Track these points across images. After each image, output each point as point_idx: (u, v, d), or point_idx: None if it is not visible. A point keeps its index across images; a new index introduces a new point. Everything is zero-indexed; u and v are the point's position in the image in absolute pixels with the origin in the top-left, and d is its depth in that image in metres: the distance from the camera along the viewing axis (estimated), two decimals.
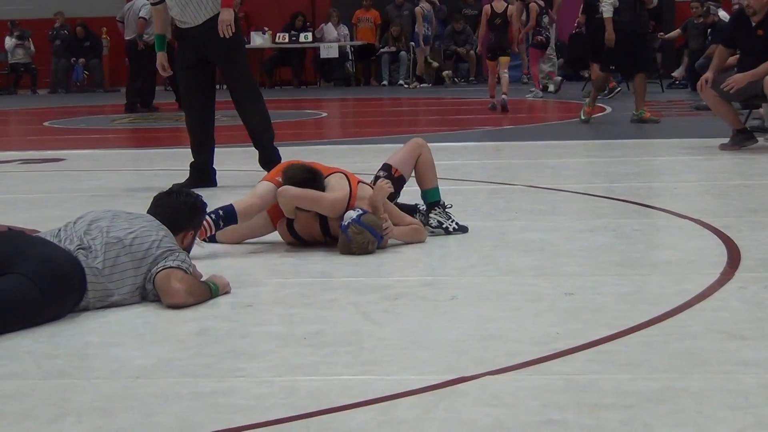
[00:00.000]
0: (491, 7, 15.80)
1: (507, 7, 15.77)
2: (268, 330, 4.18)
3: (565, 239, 5.85)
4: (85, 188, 8.51)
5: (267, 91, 23.54)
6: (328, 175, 5.71)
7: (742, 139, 9.72)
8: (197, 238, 5.40)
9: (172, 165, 9.89)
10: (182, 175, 8.39)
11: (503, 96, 15.54)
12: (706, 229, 5.98)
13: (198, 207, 5.01)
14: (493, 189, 7.86)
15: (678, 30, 20.10)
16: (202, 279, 4.73)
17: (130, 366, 3.76)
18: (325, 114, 17.11)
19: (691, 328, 4.03)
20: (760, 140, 9.90)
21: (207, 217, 5.51)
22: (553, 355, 3.73)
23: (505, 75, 15.89)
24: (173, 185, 5.11)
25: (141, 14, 17.38)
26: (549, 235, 5.98)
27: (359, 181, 5.76)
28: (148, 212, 4.88)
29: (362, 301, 4.58)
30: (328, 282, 5.04)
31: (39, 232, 4.85)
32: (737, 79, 9.43)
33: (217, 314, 4.44)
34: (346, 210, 5.55)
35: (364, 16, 23.80)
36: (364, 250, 5.48)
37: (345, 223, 5.49)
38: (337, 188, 5.62)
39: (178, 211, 4.90)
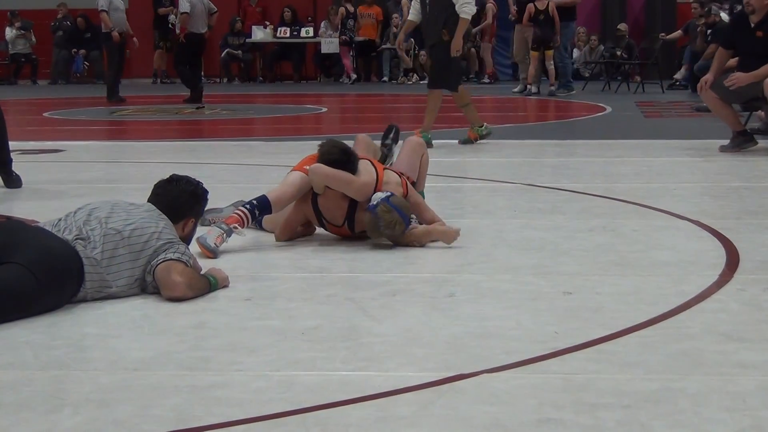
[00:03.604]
0: (534, 5, 17.75)
1: (548, 3, 17.70)
2: (267, 324, 4.18)
3: (564, 238, 5.85)
4: (84, 179, 8.50)
5: (267, 85, 23.61)
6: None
7: (742, 141, 9.72)
8: (237, 227, 5.48)
9: (172, 158, 9.88)
10: (181, 168, 8.37)
11: (551, 87, 18.06)
12: (705, 230, 5.98)
13: (198, 194, 4.98)
14: (492, 187, 7.86)
15: (679, 31, 20.12)
16: (201, 272, 4.72)
17: (127, 358, 3.75)
18: (325, 109, 17.11)
19: (690, 329, 4.03)
20: (761, 142, 9.89)
21: (242, 208, 5.60)
22: (552, 353, 3.73)
23: (551, 67, 18.09)
24: (173, 174, 5.07)
25: (101, 6, 17.56)
26: (548, 234, 5.98)
27: (384, 168, 5.83)
28: (148, 200, 4.87)
29: (360, 297, 4.58)
30: (327, 277, 5.04)
31: (38, 222, 4.84)
32: (740, 78, 9.43)
33: (216, 308, 4.43)
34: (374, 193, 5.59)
35: (366, 12, 23.77)
36: (392, 230, 5.48)
37: (374, 203, 5.50)
38: (364, 173, 5.65)
39: (178, 199, 4.88)
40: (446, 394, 3.34)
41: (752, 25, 9.62)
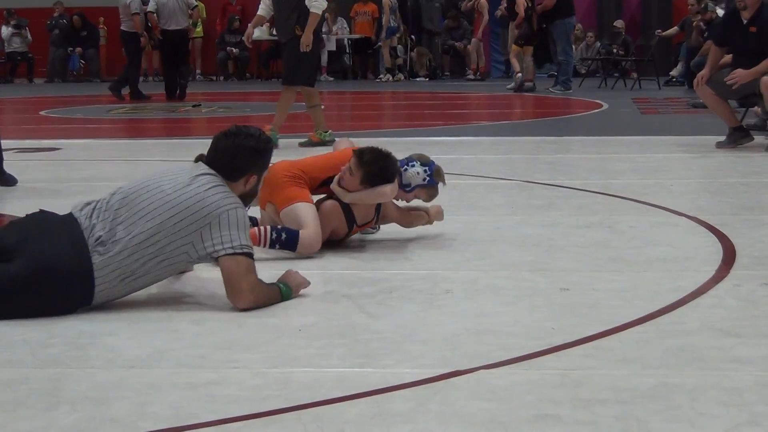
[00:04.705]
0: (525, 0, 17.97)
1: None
2: (264, 321, 4.18)
3: (561, 235, 5.85)
4: (81, 178, 8.50)
5: (263, 83, 23.58)
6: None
7: (739, 136, 9.72)
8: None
9: (168, 156, 9.88)
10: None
11: (518, 74, 18.38)
12: (702, 226, 5.99)
13: (259, 149, 4.55)
14: (489, 184, 7.86)
15: (676, 27, 20.11)
16: (275, 280, 4.52)
17: (124, 356, 3.75)
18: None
19: (686, 325, 4.04)
20: (757, 138, 9.88)
21: (267, 227, 5.27)
22: (548, 350, 3.73)
23: (530, 62, 18.46)
24: (233, 125, 4.68)
25: (134, 9, 17.49)
26: (545, 230, 5.98)
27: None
28: (207, 155, 4.53)
29: (357, 294, 4.58)
30: (324, 274, 5.03)
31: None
32: (741, 75, 9.39)
33: (212, 305, 4.43)
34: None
35: (362, 10, 23.78)
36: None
37: (423, 181, 5.60)
38: None
39: (238, 154, 4.49)
40: (443, 391, 3.34)
41: (744, 21, 9.60)
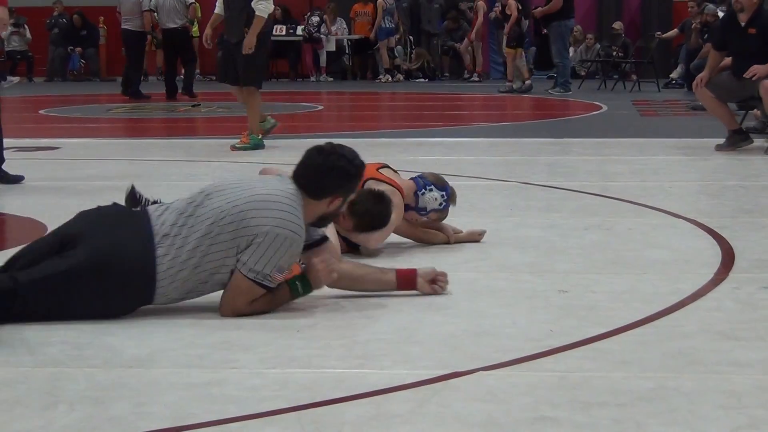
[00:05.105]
0: (516, 1, 18.25)
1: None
2: (262, 322, 4.18)
3: (559, 237, 5.85)
4: (80, 177, 8.50)
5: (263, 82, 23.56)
6: (365, 181, 5.43)
7: (738, 139, 9.72)
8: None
9: (168, 155, 9.88)
10: (177, 165, 8.36)
11: (509, 83, 18.75)
12: (701, 229, 5.99)
13: (351, 173, 4.37)
14: (488, 185, 7.86)
15: (675, 30, 20.12)
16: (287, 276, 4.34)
17: (123, 355, 3.76)
18: (321, 107, 17.10)
19: (685, 328, 4.04)
20: (756, 141, 9.89)
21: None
22: (547, 351, 3.73)
23: (522, 62, 18.68)
24: (327, 143, 4.48)
25: (146, 6, 17.48)
26: (544, 232, 5.98)
27: (379, 169, 5.66)
28: (296, 168, 4.35)
29: (356, 295, 4.58)
30: None
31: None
32: (759, 70, 9.35)
33: (211, 305, 4.42)
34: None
35: (361, 11, 23.78)
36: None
37: (438, 205, 5.59)
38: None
39: (326, 174, 4.31)
40: (441, 392, 3.34)
41: (742, 24, 9.60)
